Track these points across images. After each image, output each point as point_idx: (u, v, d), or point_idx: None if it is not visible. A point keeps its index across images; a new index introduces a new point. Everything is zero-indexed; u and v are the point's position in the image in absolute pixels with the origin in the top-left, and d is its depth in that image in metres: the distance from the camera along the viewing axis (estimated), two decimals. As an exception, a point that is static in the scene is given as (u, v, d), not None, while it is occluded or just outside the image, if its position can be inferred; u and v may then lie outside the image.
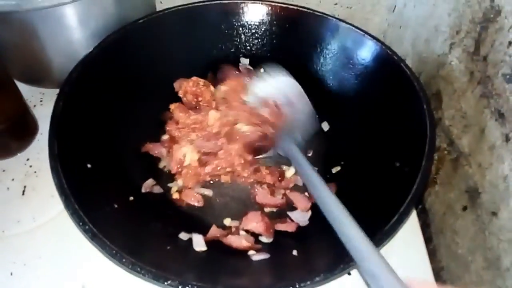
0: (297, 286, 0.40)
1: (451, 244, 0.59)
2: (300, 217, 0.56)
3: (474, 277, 0.53)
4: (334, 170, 0.61)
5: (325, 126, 0.67)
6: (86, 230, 0.42)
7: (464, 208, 0.56)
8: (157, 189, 0.58)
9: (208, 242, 0.51)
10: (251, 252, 0.49)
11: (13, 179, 0.61)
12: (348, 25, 0.65)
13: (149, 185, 0.57)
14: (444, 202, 0.61)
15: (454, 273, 0.58)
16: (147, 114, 0.63)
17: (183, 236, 0.51)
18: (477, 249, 0.53)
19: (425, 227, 0.64)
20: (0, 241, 0.55)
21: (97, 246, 0.42)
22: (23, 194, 0.60)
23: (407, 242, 0.56)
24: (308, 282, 0.40)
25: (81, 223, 0.43)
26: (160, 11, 0.67)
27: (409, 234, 0.57)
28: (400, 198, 0.46)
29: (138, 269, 0.40)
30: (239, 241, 0.50)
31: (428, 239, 0.61)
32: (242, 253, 0.50)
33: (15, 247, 0.54)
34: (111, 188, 0.52)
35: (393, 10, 0.81)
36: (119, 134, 0.58)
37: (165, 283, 0.39)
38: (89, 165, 0.51)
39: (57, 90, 0.67)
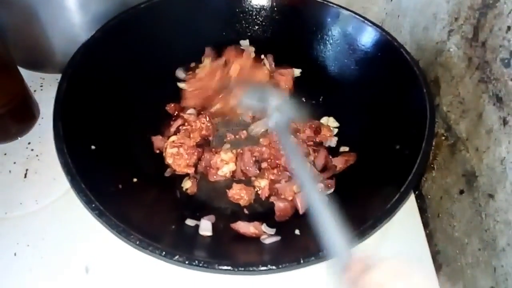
0: (302, 261, 0.41)
1: (447, 228, 0.60)
2: None
3: (470, 259, 0.55)
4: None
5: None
6: (93, 208, 0.43)
7: (461, 192, 0.57)
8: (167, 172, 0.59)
9: (214, 227, 0.51)
10: (263, 237, 0.50)
11: (14, 163, 0.61)
12: (348, 12, 0.65)
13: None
14: (441, 187, 0.62)
15: (450, 256, 0.59)
16: (148, 96, 0.63)
17: (190, 222, 0.51)
18: (474, 231, 0.54)
19: (422, 212, 0.65)
20: (4, 222, 0.55)
21: (104, 223, 0.42)
22: (25, 177, 0.60)
23: (406, 226, 0.57)
24: (312, 258, 0.41)
25: (87, 202, 0.43)
26: (160, -5, 0.67)
27: (407, 218, 0.58)
28: (400, 179, 0.47)
29: (145, 245, 0.41)
30: (246, 227, 0.51)
31: (424, 224, 0.62)
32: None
33: (19, 229, 0.54)
34: (115, 169, 0.53)
35: (391, -1, 0.82)
36: (121, 116, 0.59)
37: (173, 258, 0.40)
38: (93, 147, 0.52)
39: (57, 75, 0.67)
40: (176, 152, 0.58)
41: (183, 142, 0.59)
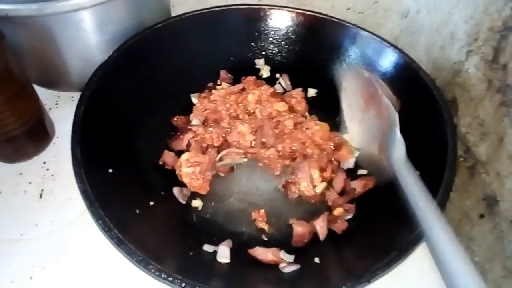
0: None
1: (466, 252, 0.59)
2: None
3: (492, 286, 0.54)
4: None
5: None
6: (112, 236, 0.43)
7: (481, 216, 0.56)
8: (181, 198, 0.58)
9: (233, 254, 0.51)
10: (282, 265, 0.49)
11: (30, 183, 0.61)
12: (366, 32, 0.65)
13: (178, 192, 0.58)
14: (460, 209, 0.61)
15: (470, 281, 0.58)
16: (165, 117, 0.63)
17: (208, 248, 0.51)
18: (495, 257, 0.53)
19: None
20: (19, 244, 0.55)
21: (123, 252, 0.42)
22: (40, 197, 0.60)
23: (423, 247, 0.56)
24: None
25: (106, 229, 0.43)
26: (178, 15, 0.67)
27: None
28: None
29: (165, 276, 0.40)
30: (264, 254, 0.50)
31: (442, 246, 0.61)
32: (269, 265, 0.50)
33: (34, 251, 0.54)
34: (133, 193, 0.52)
35: (406, 16, 0.81)
36: (139, 138, 0.59)
37: (193, 290, 0.39)
38: (110, 170, 0.51)
39: (73, 93, 0.67)
40: (192, 172, 0.58)
41: (199, 161, 0.58)
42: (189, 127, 0.63)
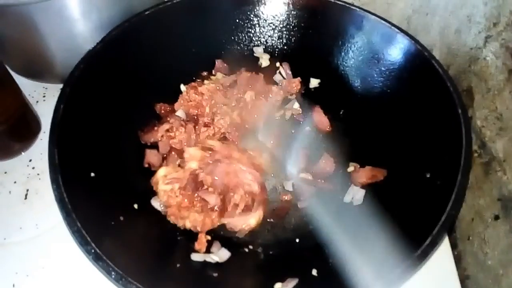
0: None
1: (478, 253, 0.55)
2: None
3: (506, 293, 0.50)
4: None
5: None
6: (89, 251, 0.39)
7: (496, 218, 0.52)
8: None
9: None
10: (277, 286, 0.45)
11: (15, 182, 0.59)
12: (374, 17, 0.60)
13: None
14: (473, 207, 0.57)
15: (481, 285, 0.55)
16: (152, 113, 0.60)
17: (196, 257, 0.48)
18: (511, 263, 0.49)
19: (449, 231, 0.60)
20: (2, 249, 0.53)
21: (101, 270, 0.39)
22: (25, 198, 0.57)
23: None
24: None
25: (83, 243, 0.40)
26: (168, 1, 0.62)
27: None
28: (433, 217, 0.42)
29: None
30: None
31: (453, 245, 0.58)
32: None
33: (17, 256, 0.52)
34: (116, 198, 0.49)
35: (419, -6, 0.76)
36: (124, 138, 0.55)
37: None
38: (92, 174, 0.48)
39: (60, 85, 0.64)
40: (171, 189, 0.52)
41: (177, 177, 0.53)
42: (168, 118, 0.59)
